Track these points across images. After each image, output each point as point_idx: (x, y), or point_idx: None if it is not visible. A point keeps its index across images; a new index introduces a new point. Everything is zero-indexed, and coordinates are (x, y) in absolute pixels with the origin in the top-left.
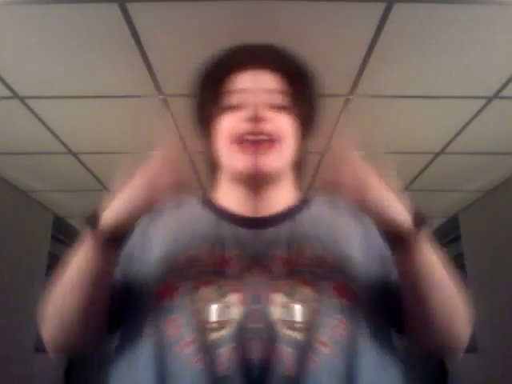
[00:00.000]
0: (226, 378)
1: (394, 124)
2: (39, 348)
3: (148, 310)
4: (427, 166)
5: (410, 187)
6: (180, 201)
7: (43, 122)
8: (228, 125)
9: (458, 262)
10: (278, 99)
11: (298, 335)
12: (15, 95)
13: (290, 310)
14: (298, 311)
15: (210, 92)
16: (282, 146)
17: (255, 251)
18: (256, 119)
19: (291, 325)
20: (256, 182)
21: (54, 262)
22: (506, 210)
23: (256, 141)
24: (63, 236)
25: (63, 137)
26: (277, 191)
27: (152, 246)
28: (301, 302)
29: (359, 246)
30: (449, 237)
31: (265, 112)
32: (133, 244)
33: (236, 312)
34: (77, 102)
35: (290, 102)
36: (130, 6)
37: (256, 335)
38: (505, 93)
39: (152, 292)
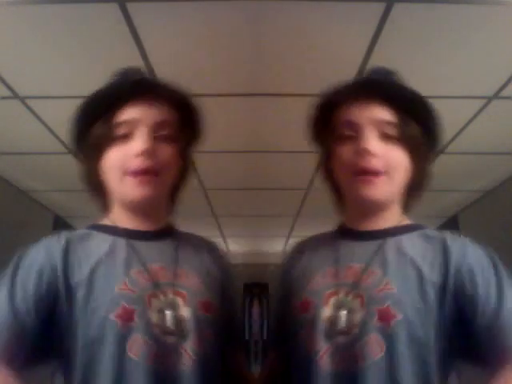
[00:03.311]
0: None
1: None
2: None
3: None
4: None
5: None
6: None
7: (43, 122)
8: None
9: None
10: (390, 130)
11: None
12: (15, 95)
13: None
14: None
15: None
16: (390, 178)
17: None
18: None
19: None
20: None
21: None
22: (506, 210)
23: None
24: None
25: (63, 137)
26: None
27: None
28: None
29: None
30: None
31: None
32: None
33: None
34: (77, 102)
35: (399, 133)
36: (130, 6)
37: None
38: (505, 93)
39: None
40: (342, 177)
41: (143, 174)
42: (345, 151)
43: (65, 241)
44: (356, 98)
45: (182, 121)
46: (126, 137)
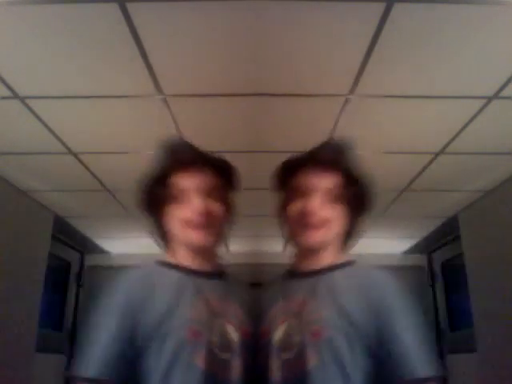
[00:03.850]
0: None
1: (393, 124)
2: (40, 348)
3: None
4: (427, 165)
5: (410, 187)
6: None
7: (43, 122)
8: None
9: (458, 262)
10: (332, 192)
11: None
12: (15, 95)
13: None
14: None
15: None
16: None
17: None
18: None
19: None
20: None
21: (53, 262)
22: (506, 209)
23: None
24: (63, 236)
25: (63, 137)
26: None
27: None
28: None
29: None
30: (449, 237)
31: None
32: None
33: None
34: (77, 101)
35: (339, 194)
36: (130, 6)
37: None
38: (505, 93)
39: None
40: (290, 225)
41: (201, 227)
42: (295, 206)
43: (141, 277)
44: (309, 166)
45: (224, 182)
46: (183, 197)
